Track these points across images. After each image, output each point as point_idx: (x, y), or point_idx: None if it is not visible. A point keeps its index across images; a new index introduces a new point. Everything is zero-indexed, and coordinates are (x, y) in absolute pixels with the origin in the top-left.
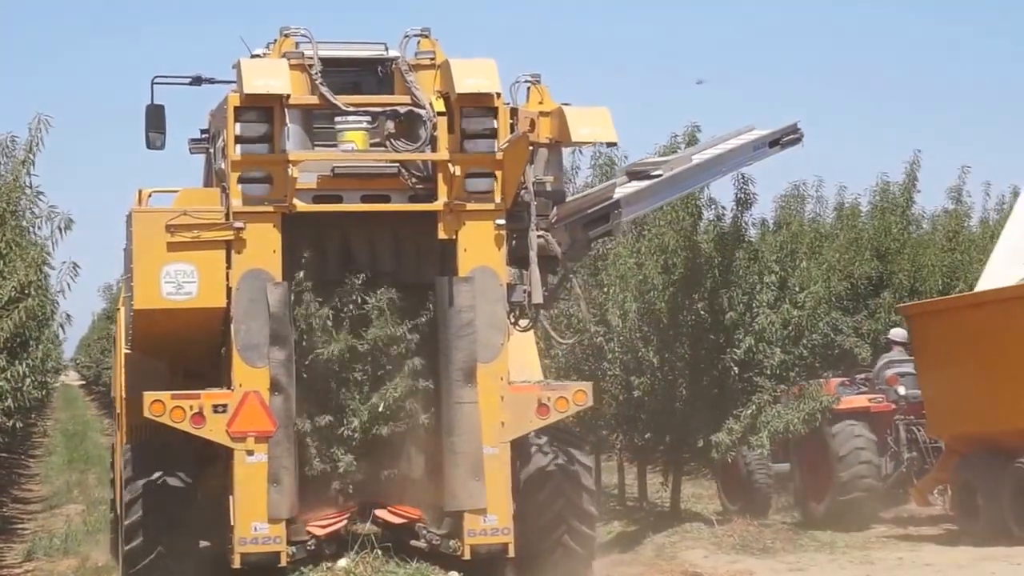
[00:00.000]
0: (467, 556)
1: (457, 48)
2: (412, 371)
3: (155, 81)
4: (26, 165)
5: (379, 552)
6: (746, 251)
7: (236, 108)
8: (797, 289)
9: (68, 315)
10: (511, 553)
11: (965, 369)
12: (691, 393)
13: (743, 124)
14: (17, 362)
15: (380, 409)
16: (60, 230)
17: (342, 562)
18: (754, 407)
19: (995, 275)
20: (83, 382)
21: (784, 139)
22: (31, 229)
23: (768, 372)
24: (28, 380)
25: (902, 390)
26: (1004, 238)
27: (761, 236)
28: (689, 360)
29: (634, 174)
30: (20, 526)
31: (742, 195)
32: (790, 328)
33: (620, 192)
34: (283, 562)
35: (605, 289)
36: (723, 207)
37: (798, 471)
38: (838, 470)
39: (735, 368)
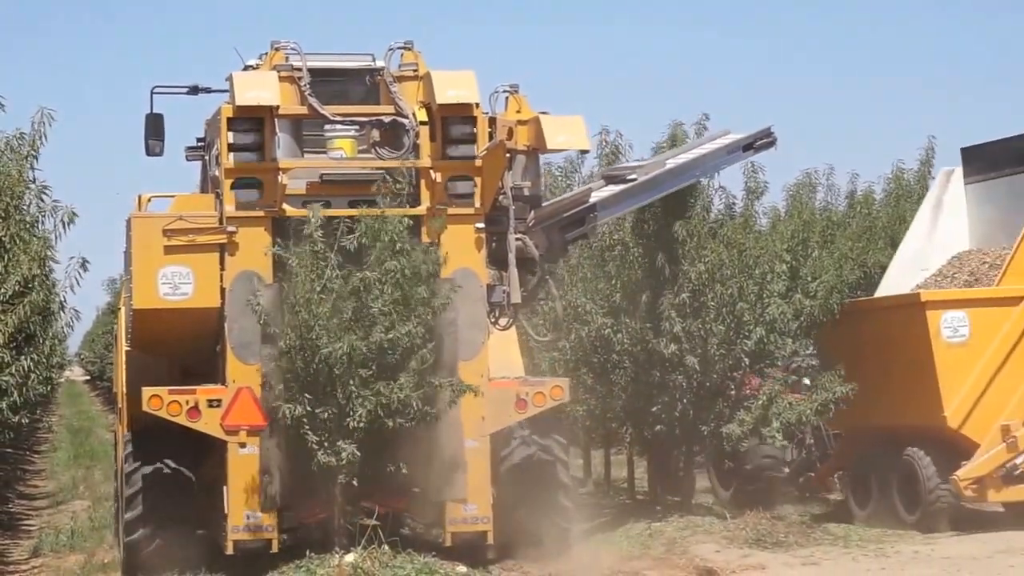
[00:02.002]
0: (448, 543)
1: (443, 58)
2: (418, 368)
3: (155, 90)
4: (29, 159)
5: (386, 547)
6: (757, 240)
7: (228, 119)
8: (809, 278)
9: (76, 311)
10: (490, 540)
11: (863, 368)
12: (701, 384)
13: (720, 128)
14: (22, 357)
15: (393, 408)
16: (63, 224)
17: (349, 557)
18: (765, 398)
19: (893, 282)
20: (87, 377)
21: (758, 143)
22: (36, 224)
23: (780, 363)
24: (33, 376)
25: (806, 381)
26: (904, 246)
27: (772, 225)
28: (700, 351)
29: (610, 178)
30: (26, 522)
31: (752, 183)
32: (802, 318)
33: (596, 196)
34: (274, 549)
35: (613, 281)
36: (733, 196)
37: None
38: (743, 454)
39: (746, 359)
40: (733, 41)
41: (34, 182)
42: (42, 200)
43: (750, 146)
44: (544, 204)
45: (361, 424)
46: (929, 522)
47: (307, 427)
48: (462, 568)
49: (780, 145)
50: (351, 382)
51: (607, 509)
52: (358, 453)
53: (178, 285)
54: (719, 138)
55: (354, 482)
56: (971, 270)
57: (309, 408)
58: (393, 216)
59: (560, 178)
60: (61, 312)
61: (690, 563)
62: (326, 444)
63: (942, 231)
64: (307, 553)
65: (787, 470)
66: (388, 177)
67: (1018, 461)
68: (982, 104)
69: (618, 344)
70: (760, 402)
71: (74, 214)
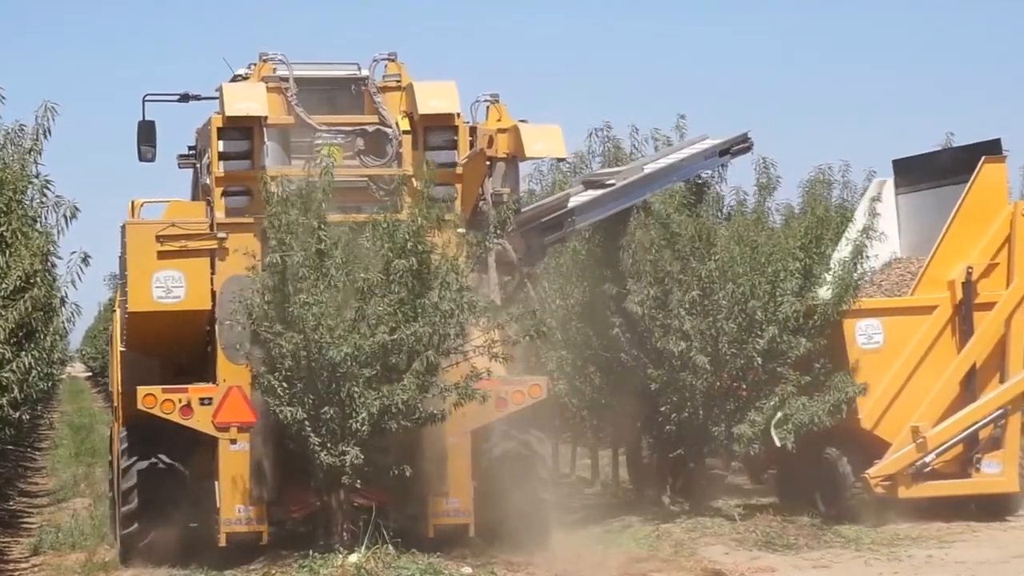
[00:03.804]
0: (431, 535)
1: (435, 64)
2: (422, 369)
3: (146, 98)
4: (32, 154)
5: (390, 547)
6: (769, 237)
7: (219, 129)
8: (824, 276)
9: (77, 306)
10: (471, 533)
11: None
12: (712, 385)
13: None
14: (23, 353)
15: (395, 410)
16: (66, 219)
17: (353, 557)
18: (777, 399)
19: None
20: (89, 374)
21: (734, 148)
22: (39, 218)
23: (792, 362)
24: (34, 372)
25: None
26: (837, 254)
27: (785, 222)
28: (710, 350)
29: (590, 183)
30: (27, 520)
31: (765, 180)
32: (816, 317)
33: (574, 201)
34: (264, 540)
35: (621, 279)
36: (745, 192)
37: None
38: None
39: (758, 359)
40: (746, 39)
41: (37, 177)
42: (45, 195)
43: (727, 151)
44: (523, 209)
45: (364, 427)
46: (845, 516)
47: (309, 429)
48: (467, 569)
49: (792, 142)
50: (354, 384)
51: (614, 509)
52: (362, 456)
53: (171, 289)
54: (696, 143)
55: (357, 484)
56: (896, 279)
57: (312, 410)
58: (406, 217)
59: (569, 175)
60: (62, 307)
61: (698, 565)
62: (329, 445)
63: (874, 240)
64: (310, 552)
65: (736, 464)
66: (372, 184)
67: (927, 460)
68: (1000, 101)
69: (626, 343)
70: (772, 403)
71: (76, 209)
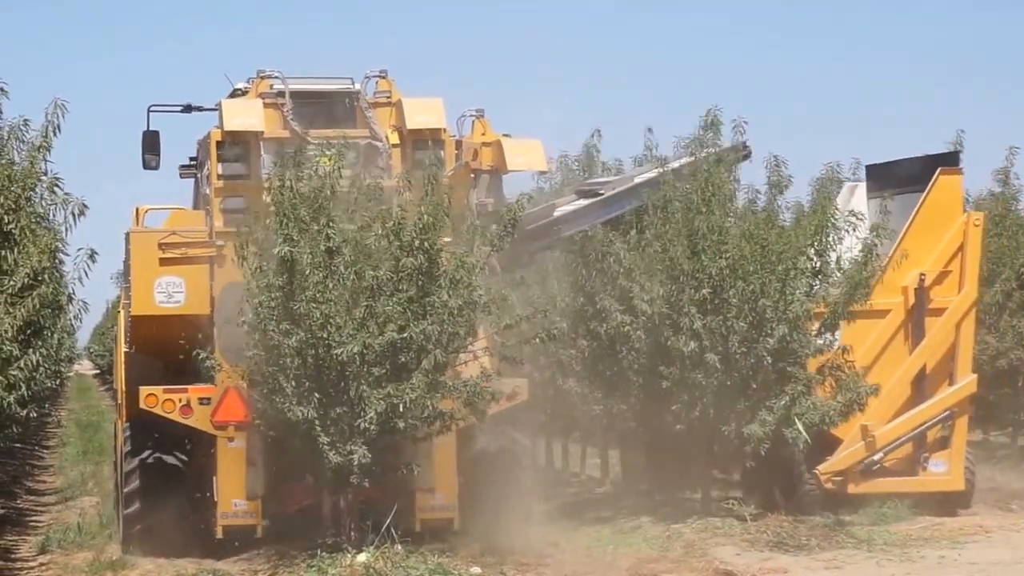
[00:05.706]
0: (418, 529)
1: (425, 76)
2: (430, 368)
3: (151, 109)
4: (42, 151)
5: (399, 547)
6: (780, 235)
7: (217, 142)
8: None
9: (85, 303)
10: (456, 527)
11: None
12: (722, 384)
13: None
14: (31, 351)
15: (403, 409)
16: (74, 216)
17: (361, 557)
18: (787, 398)
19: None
20: (97, 371)
21: (731, 158)
22: (47, 216)
23: (802, 361)
24: (42, 369)
25: None
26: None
27: (796, 220)
28: (720, 349)
29: (583, 192)
30: (34, 519)
31: (775, 178)
32: (826, 316)
33: (560, 211)
34: (259, 534)
35: (631, 276)
36: (757, 190)
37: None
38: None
39: (768, 358)
40: (750, 38)
41: (46, 174)
42: (54, 193)
43: (722, 160)
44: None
45: (373, 426)
46: (800, 509)
47: (319, 428)
48: (476, 569)
49: (802, 141)
50: (363, 382)
51: (624, 509)
52: (369, 455)
53: (172, 294)
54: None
55: (365, 483)
56: None
57: (321, 410)
58: (414, 215)
59: (578, 172)
60: (70, 305)
61: (709, 566)
62: (338, 445)
63: (845, 243)
64: (318, 551)
65: None
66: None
67: (875, 458)
68: (1013, 99)
69: (637, 341)
70: (783, 402)
71: (84, 206)
